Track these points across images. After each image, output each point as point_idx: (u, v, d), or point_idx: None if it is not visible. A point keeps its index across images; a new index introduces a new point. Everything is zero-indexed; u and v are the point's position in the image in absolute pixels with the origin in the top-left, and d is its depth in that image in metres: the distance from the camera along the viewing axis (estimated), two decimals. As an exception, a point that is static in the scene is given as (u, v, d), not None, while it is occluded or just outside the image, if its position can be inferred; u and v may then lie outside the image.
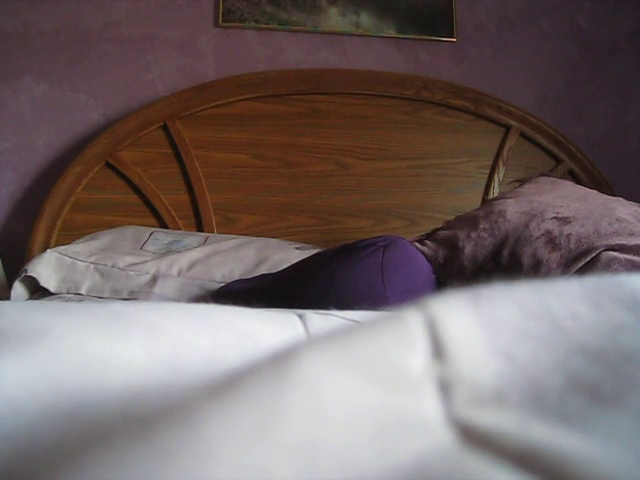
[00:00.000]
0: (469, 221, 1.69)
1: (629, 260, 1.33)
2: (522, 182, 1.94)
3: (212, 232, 2.26)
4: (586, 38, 2.75)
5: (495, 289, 0.32)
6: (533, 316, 0.30)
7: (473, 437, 0.23)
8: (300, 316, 0.64)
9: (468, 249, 1.60)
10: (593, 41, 2.75)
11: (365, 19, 2.58)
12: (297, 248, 1.97)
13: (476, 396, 0.25)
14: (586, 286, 0.31)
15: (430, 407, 0.24)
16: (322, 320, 0.67)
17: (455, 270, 1.58)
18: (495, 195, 2.34)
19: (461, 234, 1.65)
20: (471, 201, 2.34)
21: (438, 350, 0.27)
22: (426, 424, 0.23)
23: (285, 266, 1.58)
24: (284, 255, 1.85)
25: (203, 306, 0.51)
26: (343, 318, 0.75)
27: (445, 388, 0.25)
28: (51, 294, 1.75)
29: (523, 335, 0.28)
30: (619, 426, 0.23)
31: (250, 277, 1.66)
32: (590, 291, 0.31)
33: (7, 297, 1.79)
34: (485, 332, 0.28)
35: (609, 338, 0.28)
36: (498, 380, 0.26)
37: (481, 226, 1.63)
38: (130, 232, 2.04)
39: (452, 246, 1.64)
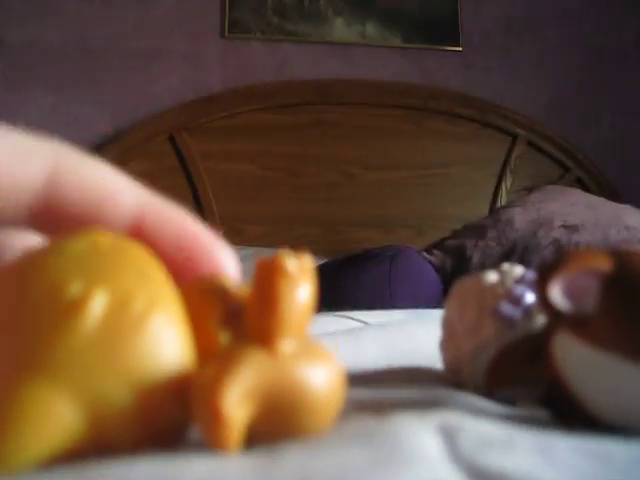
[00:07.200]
0: (477, 230, 1.68)
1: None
2: (530, 190, 1.93)
3: (219, 243, 2.25)
4: (592, 45, 2.74)
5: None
6: None
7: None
8: None
9: (476, 258, 1.59)
10: (599, 48, 2.74)
11: (371, 29, 2.57)
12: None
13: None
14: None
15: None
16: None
17: (463, 279, 1.57)
18: (503, 204, 2.33)
19: (469, 243, 1.64)
20: (479, 210, 2.33)
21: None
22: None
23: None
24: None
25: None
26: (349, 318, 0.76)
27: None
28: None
29: None
30: None
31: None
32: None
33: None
34: None
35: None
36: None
37: (489, 235, 1.63)
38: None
39: (460, 255, 1.63)
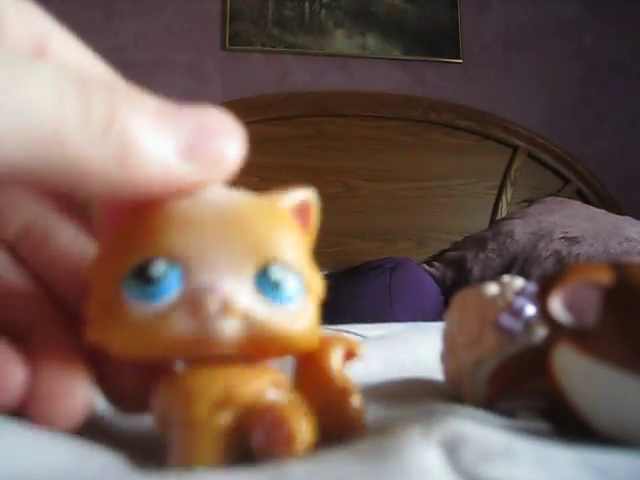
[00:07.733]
0: (477, 242, 1.68)
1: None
2: (530, 202, 1.93)
3: (220, 255, 2.25)
4: (592, 57, 2.74)
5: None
6: None
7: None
8: None
9: (476, 270, 1.59)
10: (599, 60, 2.74)
11: (371, 41, 2.58)
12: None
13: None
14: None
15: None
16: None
17: (463, 291, 1.57)
18: (503, 216, 2.33)
19: (469, 255, 1.64)
20: (479, 222, 2.33)
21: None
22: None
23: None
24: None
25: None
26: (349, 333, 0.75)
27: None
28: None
29: None
30: None
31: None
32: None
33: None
34: None
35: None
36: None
37: (489, 247, 1.63)
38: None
39: (460, 267, 1.63)
